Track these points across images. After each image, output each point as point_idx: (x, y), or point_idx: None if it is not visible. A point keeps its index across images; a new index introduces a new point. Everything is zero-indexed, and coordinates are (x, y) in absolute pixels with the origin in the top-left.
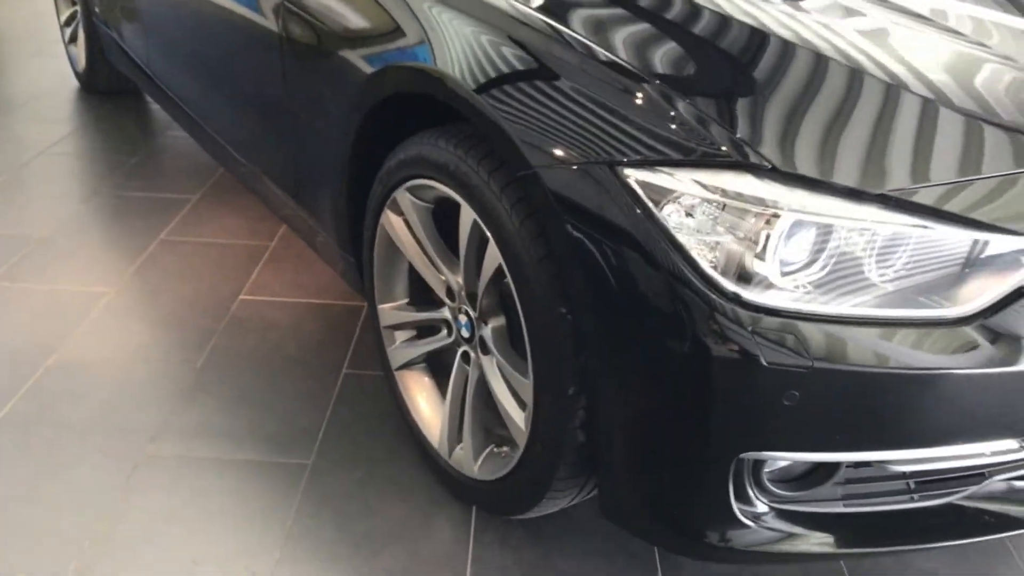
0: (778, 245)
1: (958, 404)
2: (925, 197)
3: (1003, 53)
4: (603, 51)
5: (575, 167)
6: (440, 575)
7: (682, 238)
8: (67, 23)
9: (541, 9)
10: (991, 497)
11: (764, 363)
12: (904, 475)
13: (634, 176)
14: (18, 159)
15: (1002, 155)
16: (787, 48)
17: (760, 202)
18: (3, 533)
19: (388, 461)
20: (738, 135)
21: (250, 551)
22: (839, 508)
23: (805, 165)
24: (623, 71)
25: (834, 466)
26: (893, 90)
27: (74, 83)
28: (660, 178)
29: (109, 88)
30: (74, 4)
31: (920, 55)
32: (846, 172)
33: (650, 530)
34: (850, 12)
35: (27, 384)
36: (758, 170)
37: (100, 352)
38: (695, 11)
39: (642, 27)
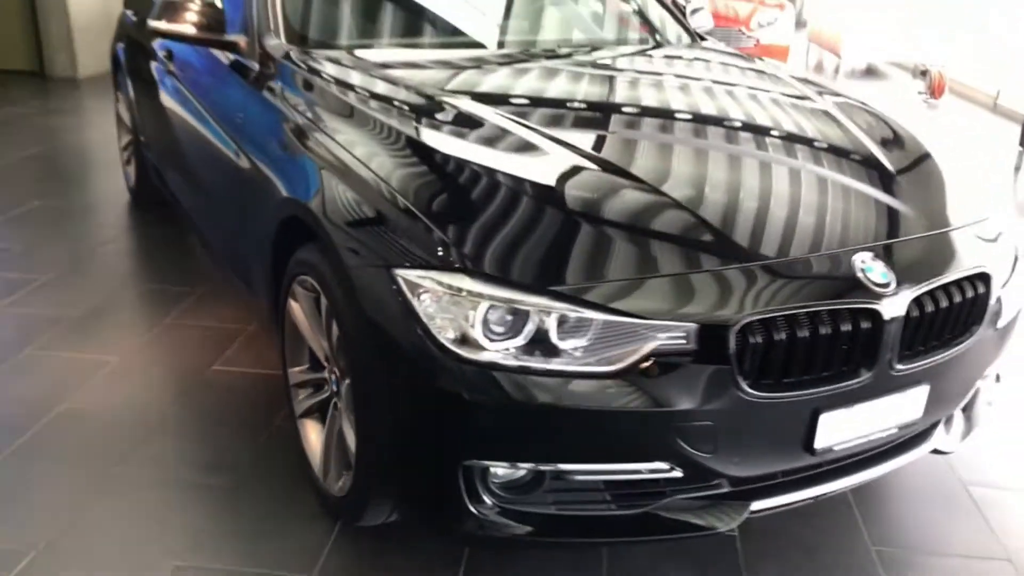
0: (481, 321)
1: (611, 432)
2: (593, 293)
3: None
4: (385, 186)
5: (369, 268)
6: (302, 561)
7: (425, 317)
8: (125, 148)
9: (359, 153)
10: (676, 508)
11: (467, 398)
12: (601, 488)
13: (400, 275)
14: (75, 252)
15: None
16: (494, 179)
17: (469, 293)
18: None
19: (294, 486)
20: (464, 249)
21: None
22: (551, 510)
23: (501, 269)
24: (394, 201)
25: (540, 477)
26: (585, 205)
27: (127, 196)
28: (413, 276)
29: (152, 201)
30: (131, 133)
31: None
32: (529, 273)
33: (421, 521)
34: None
35: None
36: (471, 272)
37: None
38: (443, 157)
39: (417, 169)
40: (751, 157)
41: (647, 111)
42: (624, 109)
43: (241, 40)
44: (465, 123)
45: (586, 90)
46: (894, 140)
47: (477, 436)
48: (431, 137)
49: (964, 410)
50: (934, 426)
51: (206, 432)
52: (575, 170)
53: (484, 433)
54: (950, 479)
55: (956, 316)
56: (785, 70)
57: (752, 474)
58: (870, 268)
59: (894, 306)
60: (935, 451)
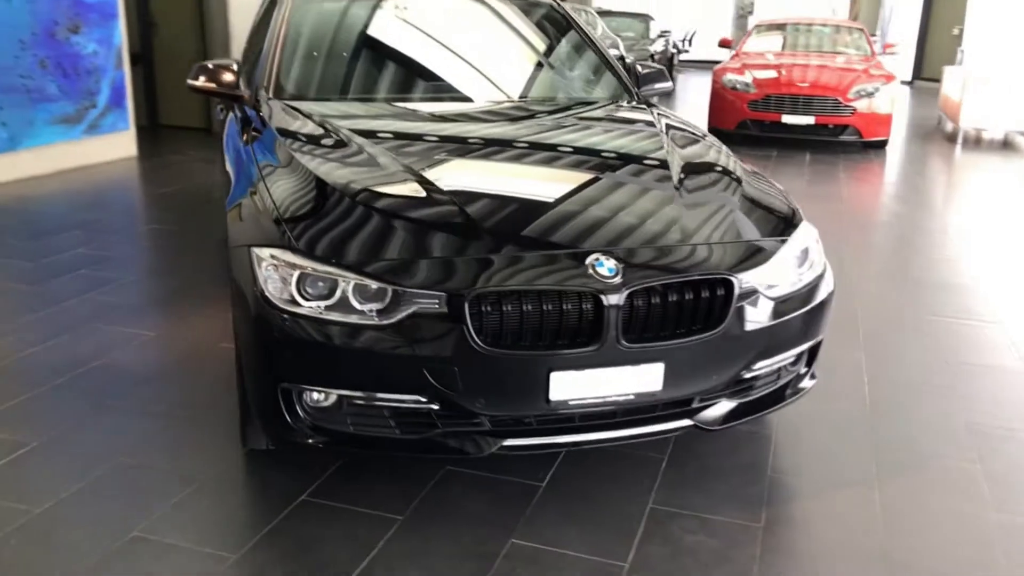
0: (295, 284)
1: (383, 369)
2: (372, 267)
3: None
4: (268, 196)
5: (240, 247)
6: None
7: (262, 280)
8: None
9: (266, 173)
10: (448, 437)
11: (279, 337)
12: (386, 415)
13: (253, 251)
14: (162, 257)
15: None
16: (336, 190)
17: (288, 264)
18: None
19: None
20: (293, 234)
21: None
22: (350, 429)
23: (310, 247)
24: (267, 206)
25: (340, 402)
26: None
27: None
28: (259, 251)
29: None
30: None
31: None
32: (330, 252)
33: (264, 432)
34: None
35: None
36: (293, 249)
37: None
38: (310, 175)
39: (293, 183)
40: (547, 179)
41: (491, 143)
42: (472, 143)
43: (245, 93)
44: (339, 149)
45: (455, 129)
46: (703, 172)
47: (288, 365)
48: (310, 160)
49: (737, 395)
50: (699, 406)
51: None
52: (393, 182)
53: (293, 363)
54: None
55: (693, 311)
56: (663, 122)
57: (501, 414)
58: (601, 264)
59: (615, 295)
60: (697, 427)
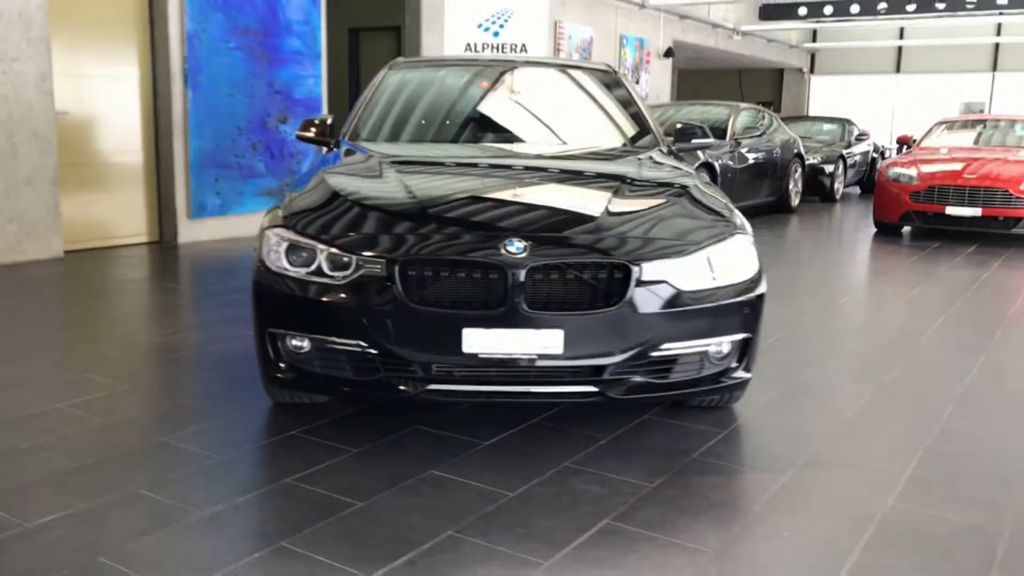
0: (285, 252)
1: (337, 318)
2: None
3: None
4: (298, 197)
5: (260, 231)
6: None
7: (264, 249)
8: None
9: (313, 183)
10: (392, 379)
11: (266, 291)
12: (343, 359)
13: (265, 229)
14: None
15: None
16: (341, 195)
17: (283, 238)
18: None
19: None
20: (289, 218)
21: None
22: (318, 370)
23: (295, 225)
24: (290, 202)
25: (310, 348)
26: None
27: None
28: (268, 231)
29: None
30: None
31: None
32: (309, 229)
33: (263, 376)
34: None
35: None
36: (286, 227)
37: None
38: (332, 186)
39: (320, 191)
40: (509, 186)
41: (492, 167)
42: (476, 166)
43: (331, 141)
44: (364, 170)
45: (471, 157)
46: (657, 188)
47: (273, 314)
48: (333, 176)
49: (651, 374)
50: (610, 377)
51: None
52: (385, 190)
53: (275, 312)
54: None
55: (593, 289)
56: (667, 162)
57: (426, 361)
58: (512, 243)
59: (518, 268)
60: (598, 394)
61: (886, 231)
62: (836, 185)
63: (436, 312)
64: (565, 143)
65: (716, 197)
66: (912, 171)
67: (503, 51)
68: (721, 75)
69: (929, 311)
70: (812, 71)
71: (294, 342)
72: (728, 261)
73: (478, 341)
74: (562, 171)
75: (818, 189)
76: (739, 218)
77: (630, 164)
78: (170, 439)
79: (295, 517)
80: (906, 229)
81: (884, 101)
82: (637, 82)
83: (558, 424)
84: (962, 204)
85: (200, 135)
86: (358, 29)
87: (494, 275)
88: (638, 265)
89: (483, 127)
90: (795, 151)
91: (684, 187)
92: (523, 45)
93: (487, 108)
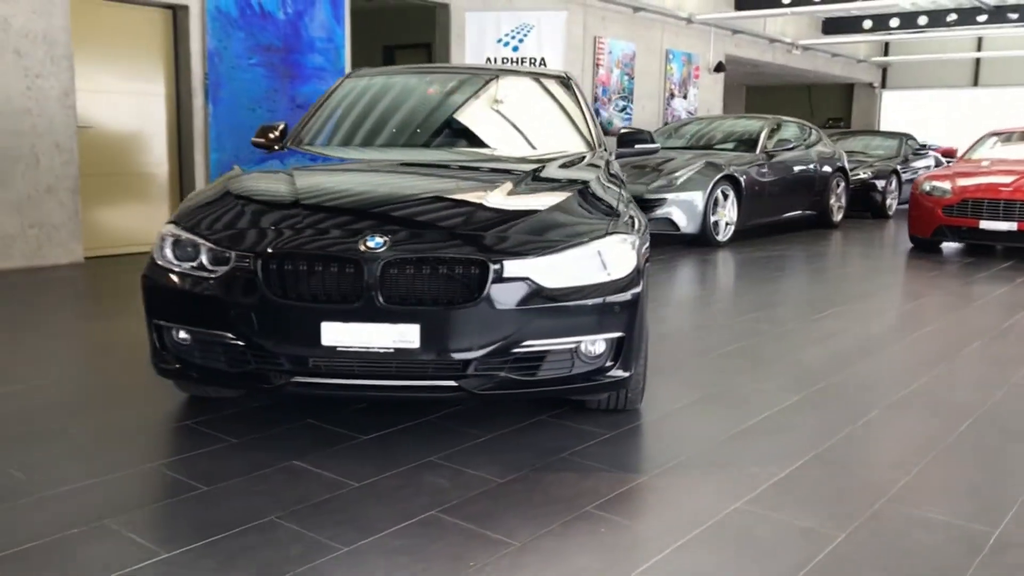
0: (171, 248)
1: (209, 309)
2: (211, 239)
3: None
4: (200, 196)
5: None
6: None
7: (157, 244)
8: None
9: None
10: (265, 371)
11: (152, 284)
12: (220, 351)
13: (162, 229)
14: None
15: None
16: (235, 196)
17: (171, 234)
18: None
19: None
20: (178, 216)
21: None
22: (198, 360)
23: (179, 221)
24: (191, 200)
25: (190, 340)
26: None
27: None
28: (163, 227)
29: None
30: None
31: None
32: (190, 226)
33: (152, 364)
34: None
35: None
36: (173, 223)
37: None
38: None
39: (218, 192)
40: (393, 184)
41: (400, 167)
42: (383, 167)
43: (278, 146)
44: (270, 173)
45: (385, 161)
46: (546, 185)
47: (157, 305)
48: (239, 175)
49: (517, 370)
50: (473, 373)
51: None
52: (276, 188)
53: (160, 304)
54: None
55: (451, 284)
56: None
57: (290, 353)
58: (372, 238)
59: (374, 262)
60: (459, 388)
61: (921, 247)
62: (888, 201)
63: (296, 305)
64: (496, 149)
65: (609, 197)
66: (946, 184)
67: (522, 65)
68: (790, 90)
69: (887, 322)
70: (884, 85)
71: (178, 334)
72: (598, 260)
73: (336, 335)
74: (464, 170)
75: (869, 205)
76: (627, 217)
77: (543, 165)
78: (85, 423)
79: (136, 498)
80: (946, 245)
81: (963, 115)
82: (685, 97)
83: (445, 422)
84: (996, 218)
85: (220, 148)
86: (393, 46)
87: (351, 269)
88: (498, 262)
89: (422, 133)
90: (838, 165)
91: (581, 184)
92: (542, 59)
93: (430, 115)
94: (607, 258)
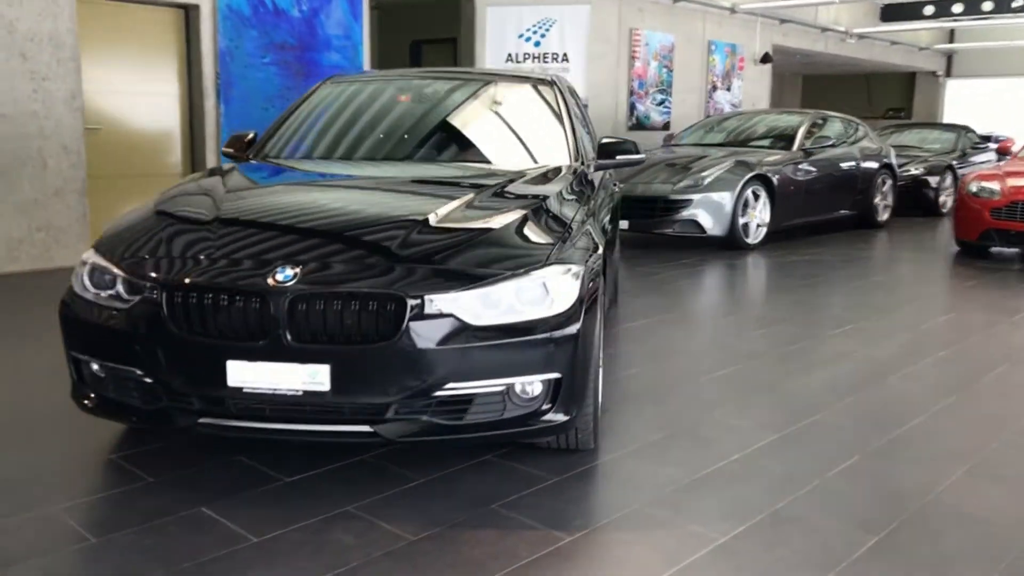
0: (88, 275)
1: (114, 342)
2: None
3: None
4: (127, 219)
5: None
6: None
7: (76, 272)
8: None
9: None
10: (173, 411)
11: (68, 316)
12: (132, 387)
13: (83, 255)
14: None
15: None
16: (164, 217)
17: (84, 261)
18: None
19: None
20: (100, 241)
21: None
22: (112, 395)
23: (98, 248)
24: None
25: (105, 373)
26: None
27: None
28: (85, 254)
29: None
30: None
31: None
32: (107, 253)
33: (72, 396)
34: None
35: None
36: (93, 250)
37: None
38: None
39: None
40: (324, 209)
41: (351, 184)
42: (332, 184)
43: (244, 155)
44: (200, 194)
45: (345, 172)
46: (489, 210)
47: (74, 338)
48: (170, 201)
49: (442, 414)
50: (391, 416)
51: None
52: (199, 213)
53: (75, 335)
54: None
55: (364, 322)
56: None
57: (196, 393)
58: (282, 270)
59: (280, 297)
60: (374, 434)
61: (967, 251)
62: (942, 198)
63: (201, 341)
64: (463, 161)
65: (566, 214)
66: (995, 184)
67: (544, 61)
68: (847, 80)
69: (901, 349)
70: (949, 74)
71: (93, 366)
72: (534, 293)
73: (242, 374)
74: (416, 187)
75: (921, 202)
76: (580, 240)
77: (507, 179)
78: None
79: (23, 548)
80: (994, 249)
81: None
82: (728, 89)
83: (380, 461)
84: None
85: None
86: (420, 41)
87: (256, 304)
88: (417, 296)
89: (387, 145)
90: (884, 162)
91: (535, 201)
92: (564, 54)
93: (397, 126)
94: (544, 291)
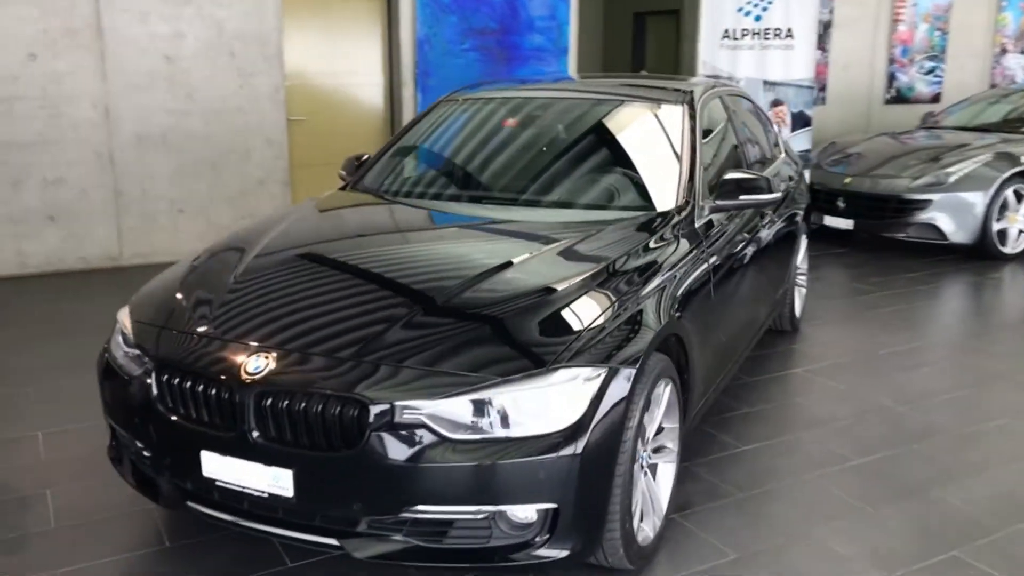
0: (119, 336)
1: (123, 411)
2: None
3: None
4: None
5: None
6: None
7: (115, 334)
8: None
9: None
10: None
11: (104, 375)
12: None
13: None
14: None
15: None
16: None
17: (120, 319)
18: None
19: None
20: (133, 308)
21: None
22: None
23: (135, 317)
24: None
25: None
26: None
27: None
28: (120, 312)
29: None
30: None
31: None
32: (137, 314)
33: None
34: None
35: None
36: (127, 311)
37: None
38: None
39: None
40: (336, 285)
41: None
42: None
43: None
44: (235, 247)
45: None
46: (494, 303)
47: (104, 393)
48: (204, 258)
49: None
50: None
51: None
52: (222, 272)
53: (104, 392)
54: None
55: (328, 426)
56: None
57: (178, 476)
58: (256, 359)
59: (245, 390)
60: (342, 550)
61: None
62: None
63: (181, 425)
64: (543, 207)
65: (608, 296)
66: None
67: (764, 38)
68: None
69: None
70: None
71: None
72: (527, 405)
73: (214, 466)
74: (445, 250)
75: None
76: (609, 333)
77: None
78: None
79: None
80: None
81: None
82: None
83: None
84: None
85: None
86: (644, 13)
87: (226, 394)
88: (385, 404)
89: (476, 183)
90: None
91: (579, 274)
92: (788, 30)
93: (492, 159)
94: (543, 400)
